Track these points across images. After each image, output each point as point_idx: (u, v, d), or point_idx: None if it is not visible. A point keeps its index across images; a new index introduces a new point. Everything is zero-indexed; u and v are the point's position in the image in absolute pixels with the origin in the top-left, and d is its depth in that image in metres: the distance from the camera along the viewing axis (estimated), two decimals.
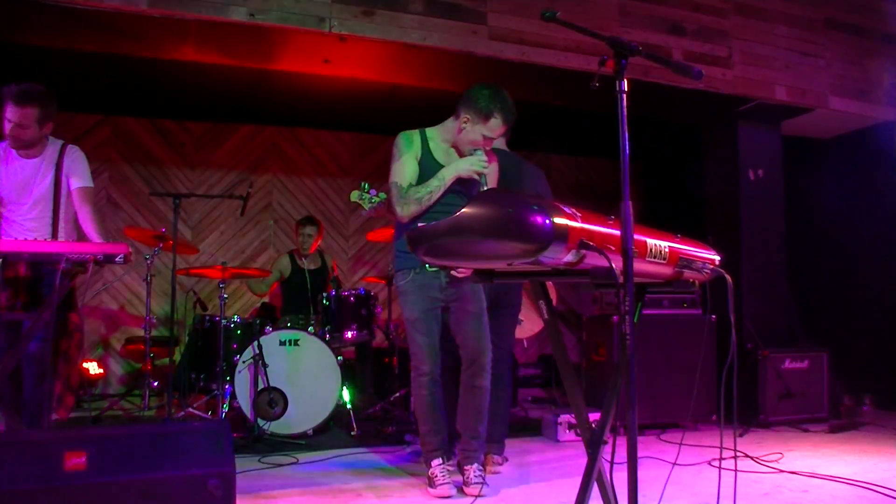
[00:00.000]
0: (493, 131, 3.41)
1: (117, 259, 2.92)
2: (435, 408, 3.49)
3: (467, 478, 3.40)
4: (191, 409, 5.08)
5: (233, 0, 4.15)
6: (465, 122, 3.42)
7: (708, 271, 2.45)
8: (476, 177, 3.38)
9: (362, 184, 3.91)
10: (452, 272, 3.41)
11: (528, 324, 4.30)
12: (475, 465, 3.44)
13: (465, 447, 3.49)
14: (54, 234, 3.59)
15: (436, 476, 3.40)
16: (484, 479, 3.42)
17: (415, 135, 3.53)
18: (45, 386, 3.36)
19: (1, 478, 2.16)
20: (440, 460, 3.46)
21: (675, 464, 3.67)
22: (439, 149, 3.53)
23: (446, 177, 3.39)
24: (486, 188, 3.34)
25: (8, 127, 3.46)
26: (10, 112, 3.44)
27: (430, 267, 3.41)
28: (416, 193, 3.40)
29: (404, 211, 3.42)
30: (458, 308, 3.50)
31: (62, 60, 5.23)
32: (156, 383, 5.74)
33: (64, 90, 3.99)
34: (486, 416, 3.52)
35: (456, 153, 3.55)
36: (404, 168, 3.46)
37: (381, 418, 5.27)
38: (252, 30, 4.28)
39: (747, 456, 4.14)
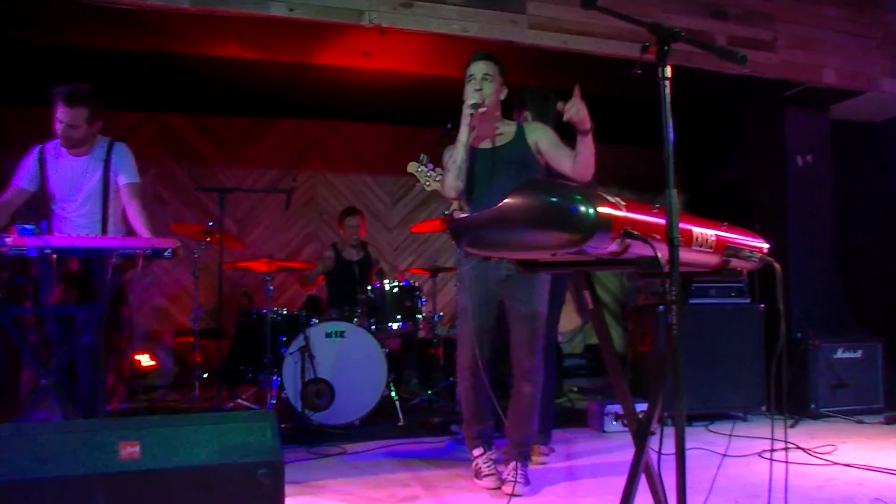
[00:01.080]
0: (472, 76, 3.42)
1: (165, 253, 2.98)
2: (477, 397, 3.45)
3: (503, 475, 3.37)
4: (239, 400, 5.16)
5: None
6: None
7: (756, 260, 2.40)
8: (470, 110, 3.29)
9: (421, 155, 3.91)
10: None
11: (564, 320, 4.27)
12: (512, 464, 3.36)
13: (507, 450, 3.46)
14: (104, 230, 3.68)
15: (479, 468, 3.41)
16: (522, 478, 3.33)
17: None
18: (98, 377, 3.45)
19: (60, 465, 2.23)
20: (481, 450, 3.47)
21: (724, 455, 3.63)
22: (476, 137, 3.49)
23: (460, 136, 3.33)
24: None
25: (59, 127, 3.54)
26: (61, 112, 3.52)
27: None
28: (445, 168, 3.39)
29: (443, 187, 3.41)
30: (511, 308, 3.42)
31: (108, 60, 5.33)
32: (205, 375, 5.84)
33: (110, 89, 4.08)
34: (531, 422, 3.43)
35: (492, 132, 3.49)
36: (446, 159, 3.45)
37: (426, 409, 5.29)
38: (292, 24, 4.31)
39: (799, 447, 4.06)
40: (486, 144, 3.48)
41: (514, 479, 3.30)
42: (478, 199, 3.42)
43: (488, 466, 3.40)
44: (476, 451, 3.47)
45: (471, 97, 3.34)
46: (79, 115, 3.53)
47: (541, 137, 3.47)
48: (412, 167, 3.90)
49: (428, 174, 3.87)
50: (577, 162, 3.34)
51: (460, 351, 3.47)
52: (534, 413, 3.42)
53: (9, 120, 6.65)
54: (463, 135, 3.32)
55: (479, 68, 3.44)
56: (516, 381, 3.41)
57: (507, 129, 3.53)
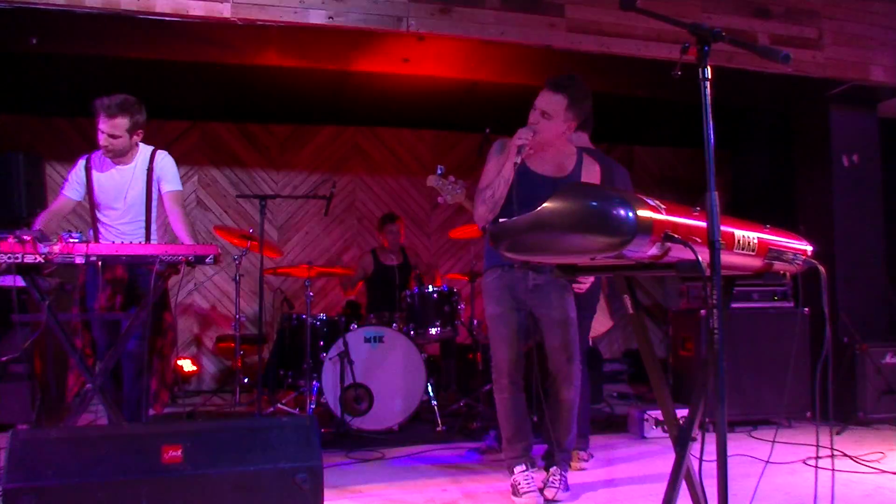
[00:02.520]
0: (537, 99, 3.22)
1: (207, 260, 3.02)
2: (517, 413, 3.35)
3: (546, 480, 3.34)
4: (280, 405, 5.21)
5: (311, 4, 4.23)
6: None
7: (800, 262, 2.36)
8: (517, 156, 3.08)
9: (438, 167, 3.87)
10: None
11: (595, 323, 4.23)
12: (553, 468, 3.35)
13: (547, 455, 3.44)
14: (147, 237, 3.74)
15: (519, 483, 3.25)
16: (562, 484, 3.31)
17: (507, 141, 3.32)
18: (142, 382, 3.51)
19: (105, 469, 2.28)
20: (523, 467, 3.31)
21: (768, 462, 3.55)
22: (533, 157, 3.31)
23: (503, 171, 3.16)
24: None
25: (101, 138, 3.62)
26: (103, 123, 3.60)
27: (515, 265, 3.27)
28: (481, 196, 3.24)
29: (476, 211, 3.28)
30: (543, 315, 3.35)
31: (153, 71, 5.44)
32: (246, 380, 5.91)
33: (154, 99, 4.15)
34: (571, 428, 3.39)
35: (551, 158, 3.34)
36: (486, 172, 3.33)
37: (465, 414, 5.28)
38: (331, 32, 4.35)
39: (845, 455, 3.96)
40: (546, 170, 3.31)
41: (556, 486, 3.28)
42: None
43: (528, 483, 3.24)
44: (518, 468, 3.30)
45: (522, 135, 3.12)
46: (119, 125, 3.60)
47: (591, 177, 3.35)
48: (432, 181, 3.84)
49: (447, 186, 3.81)
50: None
51: (497, 362, 3.37)
52: (574, 418, 3.38)
53: (66, 131, 6.86)
54: (507, 171, 3.15)
55: (542, 102, 3.21)
56: (556, 387, 3.36)
57: (570, 160, 3.36)
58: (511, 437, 3.38)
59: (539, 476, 3.38)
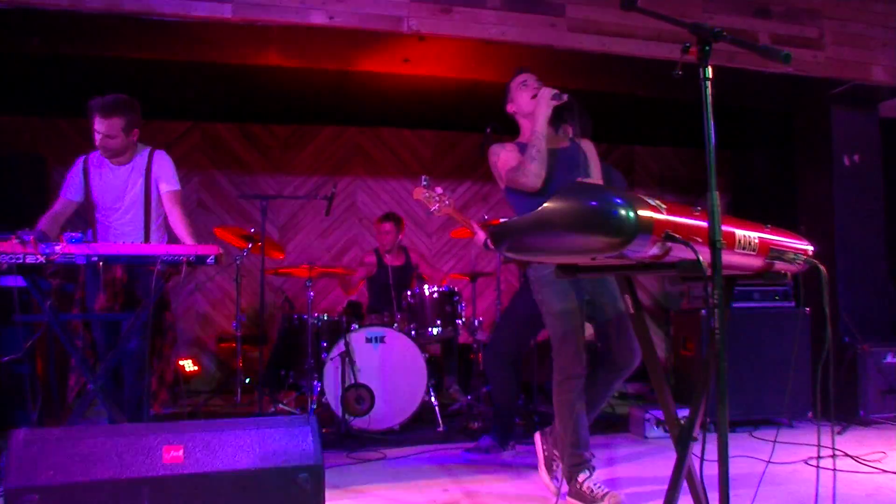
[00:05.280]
0: (526, 82, 3.47)
1: (209, 260, 3.02)
2: (580, 413, 3.14)
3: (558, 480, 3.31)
4: (281, 405, 5.21)
5: (312, 4, 4.23)
6: (511, 105, 3.50)
7: (800, 262, 2.36)
8: (556, 102, 3.26)
9: (422, 178, 3.86)
10: None
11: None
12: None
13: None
14: (146, 238, 3.74)
15: (593, 492, 3.05)
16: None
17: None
18: (143, 382, 3.51)
19: (106, 468, 2.28)
20: (587, 473, 3.13)
21: (769, 462, 3.55)
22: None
23: (536, 126, 3.26)
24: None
25: (97, 138, 3.63)
26: (98, 123, 3.60)
27: None
28: (527, 157, 3.27)
29: (527, 176, 3.23)
30: (608, 304, 3.28)
31: (154, 71, 5.44)
32: (247, 380, 5.91)
33: (156, 99, 4.16)
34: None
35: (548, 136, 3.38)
36: (508, 155, 3.38)
37: (466, 414, 5.28)
38: (332, 32, 4.35)
39: (847, 455, 3.96)
40: (555, 144, 3.44)
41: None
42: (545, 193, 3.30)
43: (600, 488, 3.06)
44: (581, 476, 3.11)
45: (549, 90, 3.30)
46: (114, 125, 3.60)
47: (591, 152, 3.50)
48: (418, 194, 3.85)
49: (433, 197, 3.82)
50: None
51: (561, 364, 3.16)
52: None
53: (68, 132, 6.86)
54: (543, 125, 3.26)
55: (530, 76, 3.50)
56: (615, 380, 3.32)
57: (560, 135, 3.53)
58: (575, 443, 3.15)
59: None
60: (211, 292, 7.18)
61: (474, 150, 7.09)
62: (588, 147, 3.51)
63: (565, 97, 3.27)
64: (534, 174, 3.23)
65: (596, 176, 3.45)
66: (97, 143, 3.65)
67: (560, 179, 3.30)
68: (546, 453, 3.39)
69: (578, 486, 3.09)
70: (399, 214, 6.29)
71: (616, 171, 4.18)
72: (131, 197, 3.73)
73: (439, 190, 3.83)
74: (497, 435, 4.16)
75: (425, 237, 7.75)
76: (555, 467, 3.36)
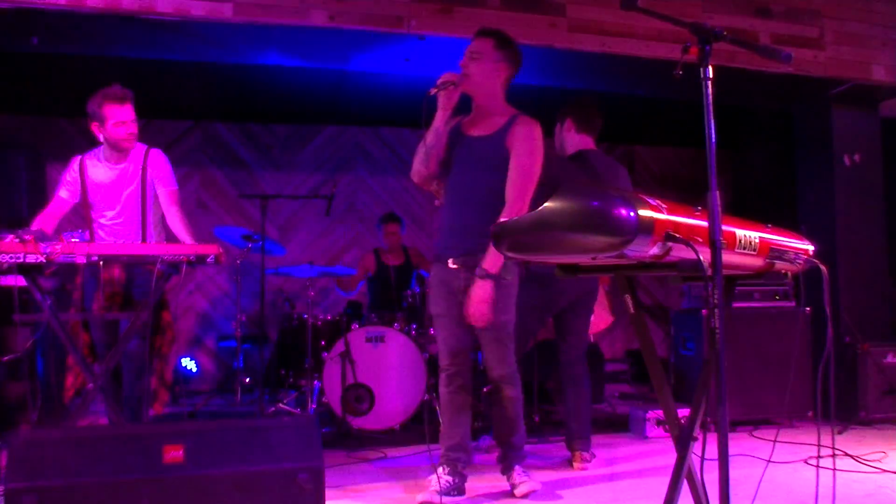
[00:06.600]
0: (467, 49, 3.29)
1: (209, 259, 3.01)
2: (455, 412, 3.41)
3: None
4: (281, 405, 5.21)
5: (312, 3, 4.23)
6: None
7: (801, 262, 2.36)
8: (434, 90, 3.13)
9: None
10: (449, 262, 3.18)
11: (594, 318, 4.23)
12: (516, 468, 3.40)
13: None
14: (144, 237, 3.72)
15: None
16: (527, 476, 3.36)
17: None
18: (143, 382, 3.50)
19: (106, 469, 2.28)
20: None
21: (769, 461, 3.54)
22: (470, 123, 3.38)
23: (435, 118, 3.16)
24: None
25: (119, 130, 3.57)
26: (119, 112, 3.55)
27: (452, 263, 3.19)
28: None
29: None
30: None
31: (154, 71, 5.43)
32: (247, 379, 5.91)
33: (156, 99, 4.15)
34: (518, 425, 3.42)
35: (484, 122, 3.31)
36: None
37: None
38: (332, 32, 4.35)
39: (847, 454, 3.97)
40: (479, 132, 3.30)
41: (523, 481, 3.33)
42: (447, 189, 3.28)
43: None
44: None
45: (446, 76, 3.12)
46: (132, 110, 3.59)
47: (518, 140, 3.20)
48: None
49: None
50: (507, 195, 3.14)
51: (442, 355, 3.38)
52: (519, 416, 3.39)
53: (68, 131, 6.85)
54: (437, 119, 3.16)
55: (471, 46, 3.27)
56: (498, 387, 3.38)
57: (499, 120, 3.28)
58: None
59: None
60: (211, 292, 7.18)
61: None
62: (517, 138, 3.19)
63: (452, 86, 3.12)
64: (412, 169, 3.25)
65: (500, 173, 3.19)
66: (121, 135, 3.57)
67: (457, 172, 3.25)
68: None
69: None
70: (399, 214, 6.29)
71: (622, 167, 4.20)
72: (128, 196, 3.69)
73: None
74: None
75: (426, 237, 7.75)
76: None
